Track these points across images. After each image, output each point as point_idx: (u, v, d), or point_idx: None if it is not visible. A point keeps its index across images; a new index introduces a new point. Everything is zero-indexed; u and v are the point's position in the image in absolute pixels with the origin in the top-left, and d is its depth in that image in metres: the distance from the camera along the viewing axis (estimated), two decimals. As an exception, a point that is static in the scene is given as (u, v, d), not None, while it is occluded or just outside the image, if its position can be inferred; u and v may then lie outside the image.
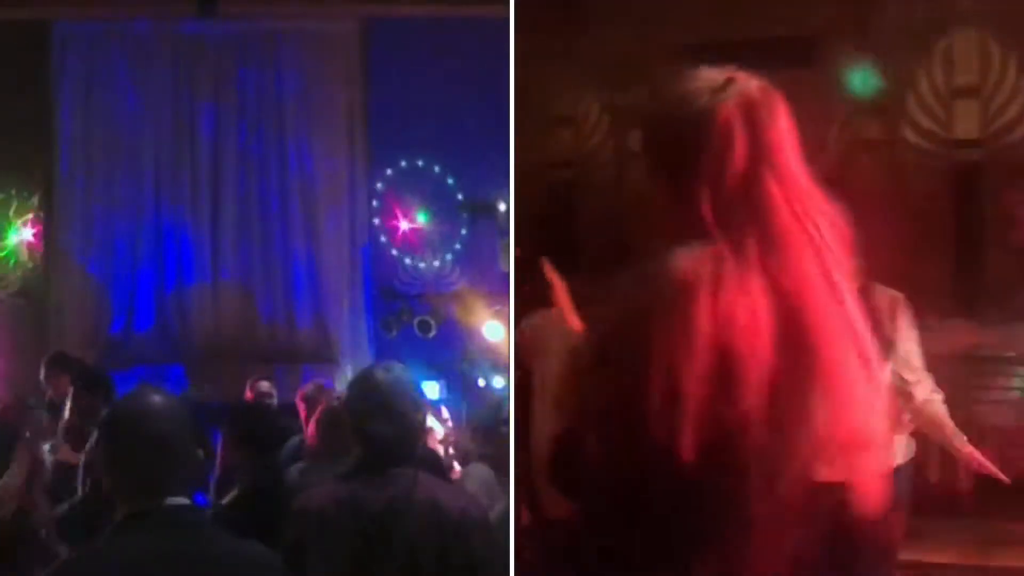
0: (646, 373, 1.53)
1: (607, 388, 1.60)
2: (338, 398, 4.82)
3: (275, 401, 5.86)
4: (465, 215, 8.38)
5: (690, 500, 1.57)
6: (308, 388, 5.25)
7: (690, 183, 1.65)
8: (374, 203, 8.39)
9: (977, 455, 3.80)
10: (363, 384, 2.75)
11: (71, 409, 4.36)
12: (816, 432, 1.60)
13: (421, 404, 2.76)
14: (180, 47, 8.16)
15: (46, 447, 4.03)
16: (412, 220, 8.41)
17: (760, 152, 1.65)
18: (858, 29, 6.86)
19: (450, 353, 8.07)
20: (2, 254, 7.96)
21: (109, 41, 8.11)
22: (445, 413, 6.38)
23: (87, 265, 8.04)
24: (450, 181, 8.38)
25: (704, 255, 1.58)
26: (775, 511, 1.59)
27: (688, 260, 1.58)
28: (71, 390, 4.51)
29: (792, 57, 6.53)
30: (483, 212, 8.18)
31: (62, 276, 8.02)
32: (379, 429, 2.66)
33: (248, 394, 6.10)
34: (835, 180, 1.73)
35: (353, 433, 2.75)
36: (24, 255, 7.99)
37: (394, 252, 8.42)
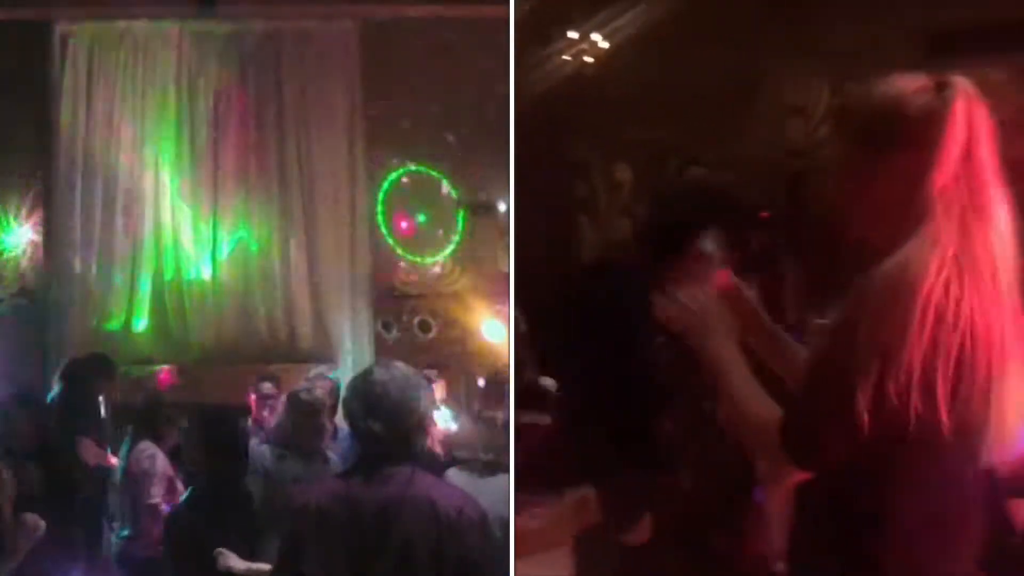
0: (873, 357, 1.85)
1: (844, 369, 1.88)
2: (307, 390, 4.89)
3: (279, 402, 5.84)
4: (465, 215, 8.37)
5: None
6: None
7: (920, 169, 1.93)
8: (374, 203, 8.38)
9: None
10: (362, 383, 2.77)
11: None
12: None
13: (420, 403, 2.77)
14: (180, 47, 8.15)
15: None
16: (412, 220, 8.41)
17: (977, 140, 1.95)
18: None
19: (450, 353, 8.06)
20: (2, 254, 7.96)
21: (109, 41, 8.10)
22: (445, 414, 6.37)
23: (87, 265, 8.03)
24: (450, 180, 8.37)
25: (931, 251, 1.87)
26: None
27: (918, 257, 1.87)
28: None
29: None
30: (483, 212, 8.18)
31: (62, 276, 8.01)
32: (376, 427, 2.68)
33: (251, 396, 6.11)
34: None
35: (352, 431, 2.78)
36: (24, 255, 7.99)
37: (394, 252, 8.41)
